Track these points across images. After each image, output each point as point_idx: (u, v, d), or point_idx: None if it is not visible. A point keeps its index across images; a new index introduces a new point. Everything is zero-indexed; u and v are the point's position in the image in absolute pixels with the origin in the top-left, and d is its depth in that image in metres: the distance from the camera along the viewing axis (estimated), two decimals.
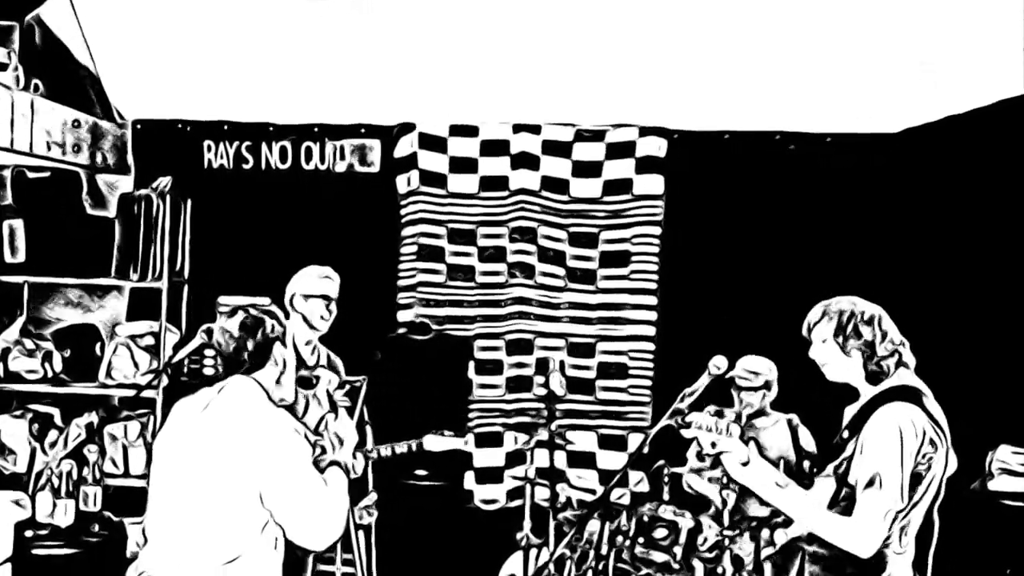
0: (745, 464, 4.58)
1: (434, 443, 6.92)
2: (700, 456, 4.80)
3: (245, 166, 8.92)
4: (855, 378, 4.78)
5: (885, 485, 4.45)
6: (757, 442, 4.79)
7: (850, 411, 4.80)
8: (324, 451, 4.94)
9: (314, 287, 7.00)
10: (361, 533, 6.95)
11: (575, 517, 7.46)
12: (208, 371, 6.22)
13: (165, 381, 8.23)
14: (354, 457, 5.08)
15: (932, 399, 4.67)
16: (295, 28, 8.20)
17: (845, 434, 4.75)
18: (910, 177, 8.19)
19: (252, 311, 4.84)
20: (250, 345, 4.75)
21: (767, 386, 7.28)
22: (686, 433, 4.67)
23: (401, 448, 6.84)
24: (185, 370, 7.23)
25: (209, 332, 4.98)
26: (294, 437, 4.65)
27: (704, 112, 8.44)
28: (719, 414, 4.70)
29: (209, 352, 5.00)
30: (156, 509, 4.76)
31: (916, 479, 4.52)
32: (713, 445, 4.60)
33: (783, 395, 7.31)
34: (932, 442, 4.53)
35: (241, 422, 4.62)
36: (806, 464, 6.52)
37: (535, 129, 8.75)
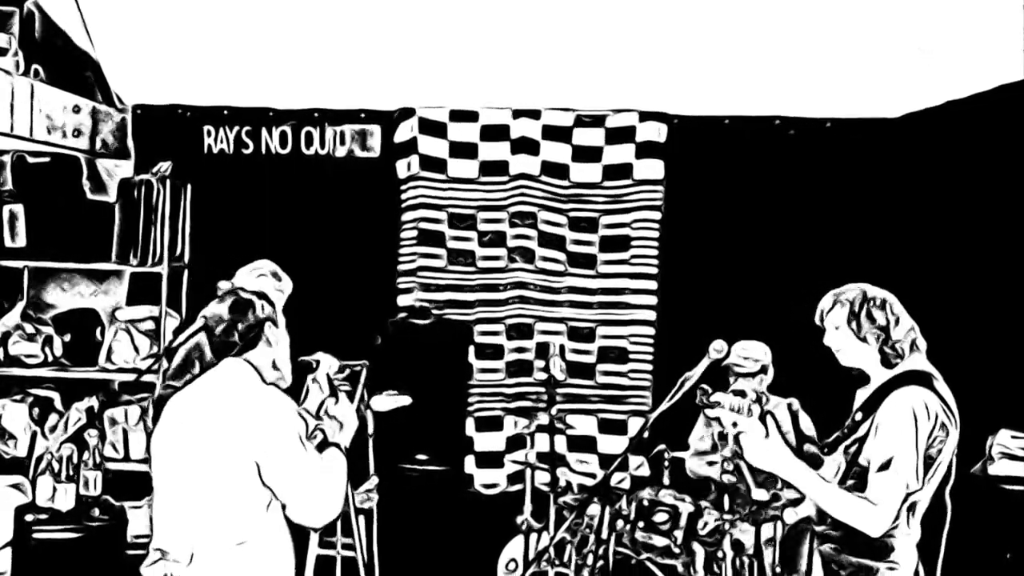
0: (765, 437, 4.60)
1: (381, 403, 6.95)
2: (722, 436, 4.77)
3: (245, 151, 8.92)
4: (870, 363, 4.79)
5: (900, 467, 4.47)
6: (772, 421, 4.78)
7: (862, 394, 4.81)
8: (324, 435, 4.95)
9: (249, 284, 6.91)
10: (362, 517, 6.96)
11: (575, 501, 7.47)
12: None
13: (165, 365, 8.24)
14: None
15: (942, 382, 4.68)
16: (295, 13, 8.19)
17: (858, 416, 4.76)
18: (910, 162, 8.20)
19: (242, 293, 4.86)
20: (240, 326, 4.77)
21: (763, 370, 7.28)
22: (709, 412, 4.69)
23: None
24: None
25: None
26: (286, 410, 4.66)
27: (704, 97, 8.44)
28: (741, 394, 4.69)
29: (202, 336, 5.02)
30: (164, 499, 4.77)
31: (928, 461, 4.54)
32: (735, 425, 4.61)
33: (784, 380, 7.32)
34: (943, 425, 4.55)
35: (234, 401, 4.63)
36: (807, 448, 6.53)
37: (535, 114, 8.76)
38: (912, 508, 4.59)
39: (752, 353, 7.25)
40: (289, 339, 5.01)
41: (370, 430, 6.91)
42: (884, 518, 4.51)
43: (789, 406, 7.29)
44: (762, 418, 4.68)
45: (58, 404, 8.51)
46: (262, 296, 4.91)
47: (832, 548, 4.75)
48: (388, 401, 7.00)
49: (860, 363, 4.84)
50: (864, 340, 4.77)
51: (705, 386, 4.71)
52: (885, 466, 4.51)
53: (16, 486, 7.76)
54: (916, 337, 4.79)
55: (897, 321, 4.75)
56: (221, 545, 4.59)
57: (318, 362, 5.51)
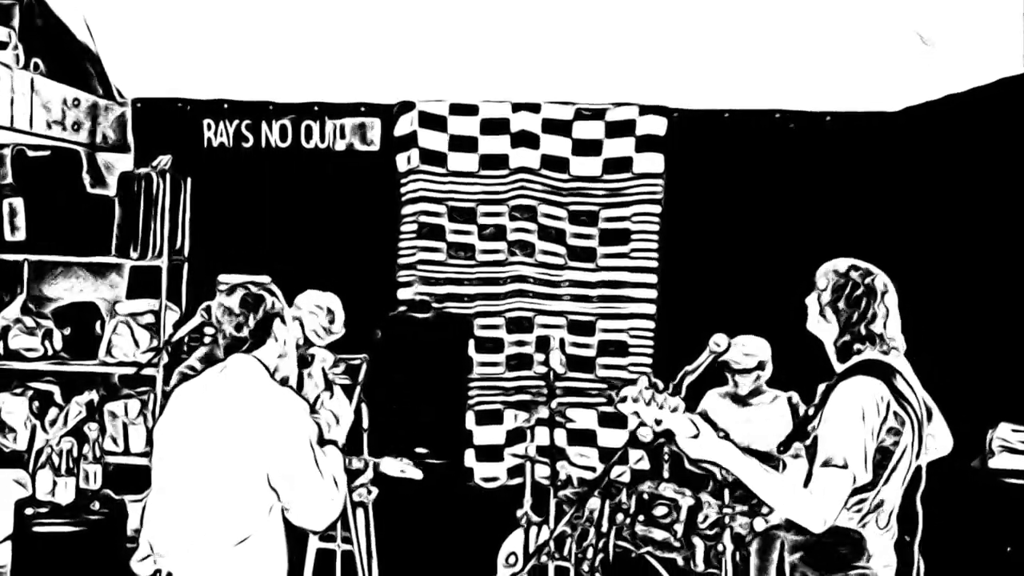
0: (695, 437, 4.49)
1: (390, 467, 6.92)
2: (643, 434, 4.60)
3: (245, 145, 8.92)
4: (825, 341, 4.75)
5: (844, 458, 4.34)
6: (710, 420, 4.71)
7: (820, 388, 4.74)
8: (320, 430, 4.94)
9: (304, 316, 6.81)
10: (360, 511, 6.97)
11: (575, 495, 7.47)
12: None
13: (165, 359, 8.25)
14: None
15: (904, 379, 4.57)
16: (295, 6, 8.19)
17: (811, 411, 4.69)
18: (909, 156, 8.19)
19: (252, 288, 4.83)
20: (251, 322, 4.74)
21: (761, 367, 7.27)
22: (622, 408, 4.56)
23: (357, 464, 6.83)
24: (185, 348, 7.23)
25: (209, 310, 4.99)
26: (300, 415, 4.65)
27: (704, 91, 8.44)
28: (654, 387, 4.56)
29: (209, 331, 5.01)
30: (164, 494, 4.76)
31: (885, 454, 4.45)
32: (658, 422, 4.49)
33: (784, 374, 7.31)
34: (897, 415, 4.46)
35: (245, 401, 4.63)
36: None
37: (535, 108, 8.76)
38: (879, 508, 4.51)
39: (749, 349, 7.25)
40: (294, 334, 5.00)
41: (365, 423, 6.92)
42: (826, 513, 4.34)
43: (789, 400, 7.29)
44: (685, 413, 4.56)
45: (58, 398, 8.51)
46: (271, 292, 4.89)
47: (801, 556, 4.66)
48: (397, 466, 6.97)
49: (818, 334, 4.80)
50: (826, 318, 4.73)
51: (615, 382, 4.66)
52: (828, 460, 4.37)
53: (16, 480, 7.77)
54: (885, 343, 4.70)
55: (861, 320, 4.68)
56: (220, 542, 4.59)
57: (313, 356, 5.50)
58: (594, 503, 7.13)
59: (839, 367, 4.67)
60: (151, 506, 4.80)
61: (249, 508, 4.59)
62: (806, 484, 4.49)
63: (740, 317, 7.60)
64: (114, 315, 8.69)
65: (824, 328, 4.74)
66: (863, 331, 4.63)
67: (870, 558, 4.51)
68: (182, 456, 4.69)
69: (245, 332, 4.75)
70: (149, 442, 8.20)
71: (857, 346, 4.62)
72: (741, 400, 7.30)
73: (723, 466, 4.50)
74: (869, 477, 4.40)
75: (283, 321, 4.86)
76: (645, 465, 8.15)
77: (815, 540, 4.53)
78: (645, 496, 7.07)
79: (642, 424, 4.42)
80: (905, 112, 8.26)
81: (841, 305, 4.66)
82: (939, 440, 4.82)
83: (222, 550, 4.59)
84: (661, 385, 4.50)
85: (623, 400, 4.52)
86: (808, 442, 4.63)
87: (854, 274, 4.72)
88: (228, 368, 4.76)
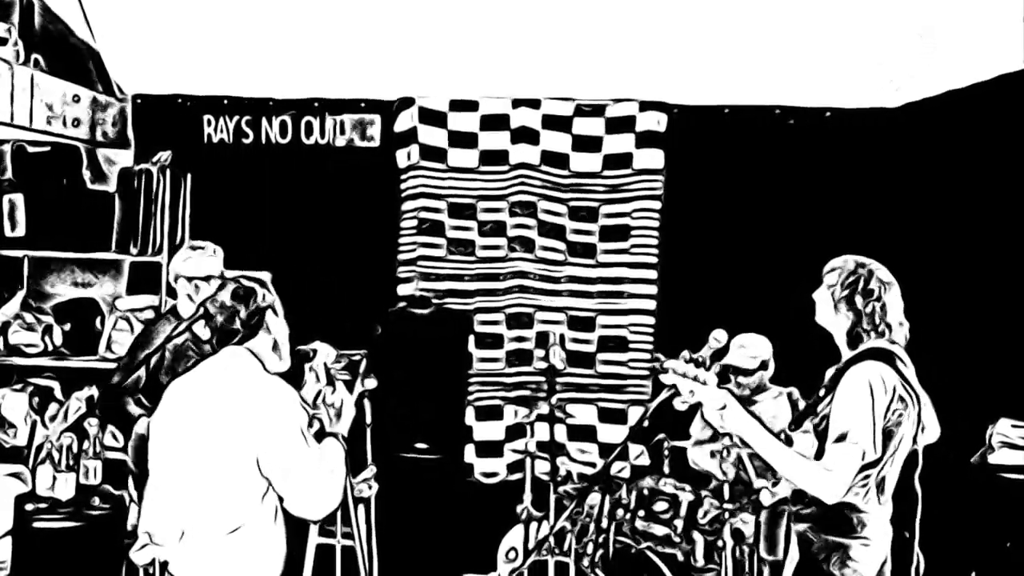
0: (722, 409, 4.66)
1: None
2: (677, 404, 4.82)
3: (245, 141, 8.92)
4: (836, 332, 4.94)
5: (856, 435, 4.61)
6: (748, 407, 4.85)
7: (829, 372, 4.97)
8: (322, 424, 4.96)
9: (184, 269, 6.83)
10: (360, 507, 6.96)
11: (575, 491, 7.48)
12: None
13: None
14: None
15: (906, 365, 4.80)
16: (295, 2, 8.19)
17: (821, 392, 4.92)
18: (910, 152, 8.19)
19: (243, 282, 4.89)
20: (242, 314, 4.80)
21: (764, 366, 7.29)
22: (664, 379, 4.75)
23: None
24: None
25: (205, 305, 5.00)
26: (289, 403, 4.69)
27: (704, 87, 8.43)
28: (693, 362, 4.76)
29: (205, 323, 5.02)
30: (158, 485, 4.79)
31: (888, 434, 4.68)
32: (691, 393, 4.68)
33: (784, 370, 7.32)
34: (901, 399, 4.70)
35: (236, 390, 4.67)
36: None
37: (535, 103, 8.75)
38: (881, 485, 4.71)
39: (751, 349, 7.26)
40: (287, 326, 5.02)
41: (368, 419, 6.91)
42: (838, 485, 4.63)
43: (789, 395, 7.31)
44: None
45: (58, 393, 8.51)
46: (263, 285, 4.92)
47: (807, 527, 4.83)
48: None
49: (828, 326, 5.02)
50: (837, 312, 4.89)
51: (659, 355, 4.80)
52: (842, 434, 4.64)
53: (16, 475, 7.77)
54: (894, 333, 4.86)
55: (872, 313, 4.84)
56: (213, 531, 4.61)
57: (315, 351, 5.50)
58: (594, 498, 7.14)
59: (847, 353, 4.89)
60: (148, 497, 4.82)
61: (241, 496, 4.62)
62: (817, 459, 4.73)
63: (740, 313, 7.62)
64: (114, 311, 8.69)
65: (836, 321, 4.98)
66: (876, 321, 4.83)
67: (870, 531, 4.75)
68: (177, 446, 4.73)
69: (237, 324, 4.82)
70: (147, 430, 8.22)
71: (868, 335, 4.79)
72: (746, 399, 7.31)
73: (745, 439, 4.68)
74: (878, 454, 4.66)
75: (275, 313, 4.90)
76: (645, 461, 8.15)
77: (819, 512, 4.78)
78: (645, 492, 7.08)
79: (677, 394, 4.65)
80: (905, 108, 8.26)
81: (856, 299, 4.86)
82: (928, 427, 4.96)
83: (215, 539, 4.62)
84: (699, 359, 4.68)
85: (665, 371, 4.69)
86: (818, 420, 4.81)
87: (861, 270, 4.90)
88: (221, 359, 4.82)
